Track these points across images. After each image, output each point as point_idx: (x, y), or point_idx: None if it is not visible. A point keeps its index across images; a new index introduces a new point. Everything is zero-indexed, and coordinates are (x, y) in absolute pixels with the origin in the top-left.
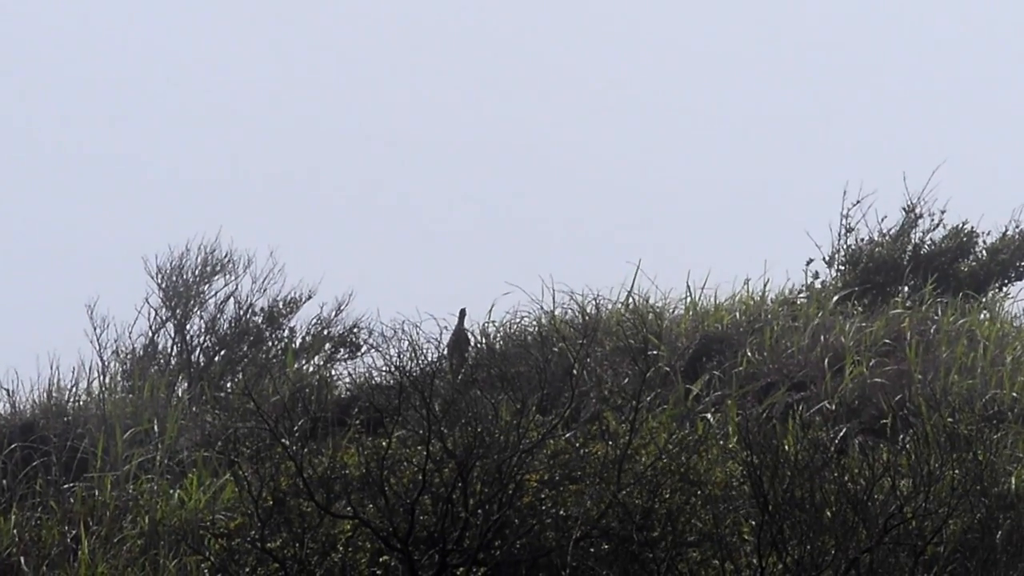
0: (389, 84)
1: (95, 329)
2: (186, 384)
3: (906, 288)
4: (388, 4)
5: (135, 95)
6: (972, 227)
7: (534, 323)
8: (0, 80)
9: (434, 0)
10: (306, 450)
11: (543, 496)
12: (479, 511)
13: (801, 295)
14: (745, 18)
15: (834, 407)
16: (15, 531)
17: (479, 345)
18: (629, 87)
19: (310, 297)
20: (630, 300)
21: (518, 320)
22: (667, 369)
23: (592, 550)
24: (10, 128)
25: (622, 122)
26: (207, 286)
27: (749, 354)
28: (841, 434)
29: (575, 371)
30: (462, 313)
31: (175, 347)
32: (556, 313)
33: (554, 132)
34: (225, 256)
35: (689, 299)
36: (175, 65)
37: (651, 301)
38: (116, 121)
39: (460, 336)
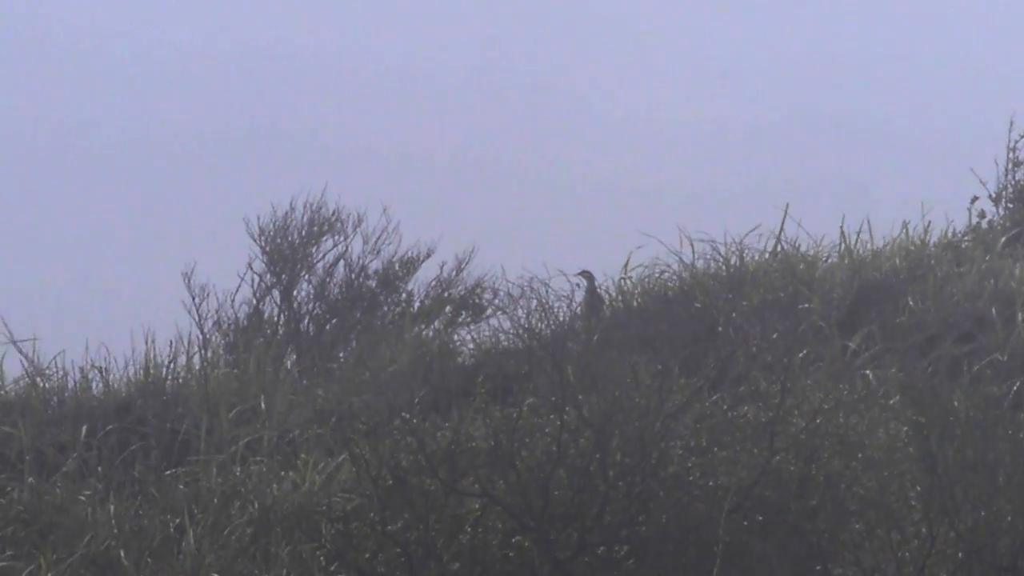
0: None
1: (194, 299)
2: (295, 356)
3: None
4: None
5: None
6: None
7: (674, 277)
8: (111, 43)
9: None
10: (428, 423)
11: (690, 465)
12: (620, 483)
13: (966, 237)
14: None
15: (1006, 359)
16: (114, 522)
17: (614, 303)
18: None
19: (428, 256)
20: (778, 248)
21: (657, 274)
22: (821, 323)
23: (746, 523)
24: (102, 86)
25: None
26: (315, 248)
27: (911, 303)
28: (1015, 388)
29: (720, 328)
30: (589, 276)
31: (282, 316)
32: (698, 265)
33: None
34: (332, 214)
35: (844, 246)
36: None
37: (802, 249)
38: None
39: (593, 297)
